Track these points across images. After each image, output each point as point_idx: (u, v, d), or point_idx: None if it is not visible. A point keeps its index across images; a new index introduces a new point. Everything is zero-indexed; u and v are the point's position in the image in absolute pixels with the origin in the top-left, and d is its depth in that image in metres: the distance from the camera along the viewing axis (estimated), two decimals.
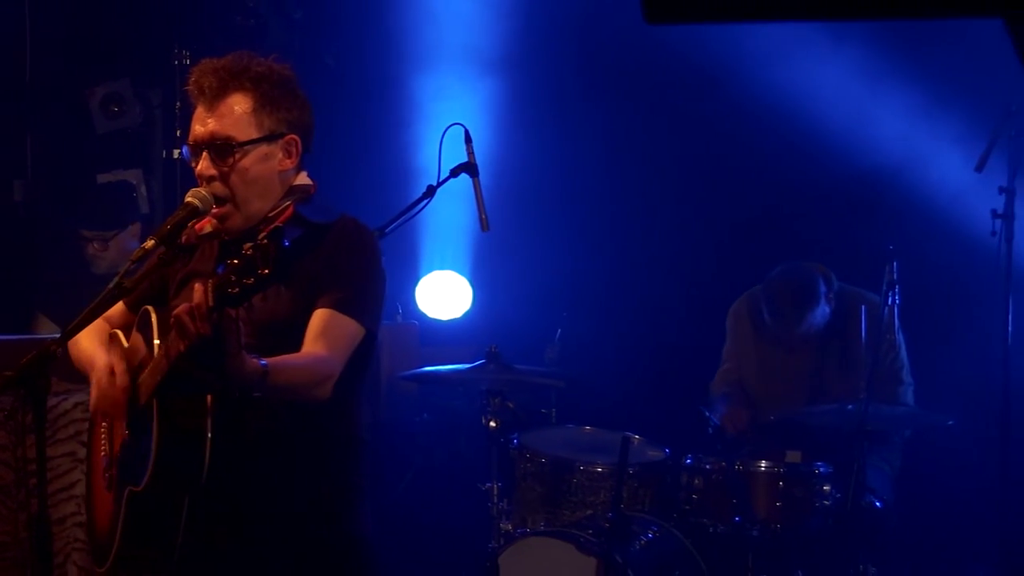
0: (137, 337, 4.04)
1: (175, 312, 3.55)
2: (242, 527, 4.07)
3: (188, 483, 3.86)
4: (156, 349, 3.86)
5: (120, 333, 4.17)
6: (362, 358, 4.13)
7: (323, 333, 3.98)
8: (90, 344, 4.17)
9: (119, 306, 4.19)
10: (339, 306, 4.01)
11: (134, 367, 4.00)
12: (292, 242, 3.55)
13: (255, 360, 3.68)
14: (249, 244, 3.42)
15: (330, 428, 4.14)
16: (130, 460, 3.99)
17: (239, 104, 4.04)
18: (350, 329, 4.04)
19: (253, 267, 3.40)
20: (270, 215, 4.08)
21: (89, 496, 4.41)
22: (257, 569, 4.09)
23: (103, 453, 4.23)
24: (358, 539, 4.22)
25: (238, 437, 3.93)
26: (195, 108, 4.10)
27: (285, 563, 4.09)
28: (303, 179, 4.20)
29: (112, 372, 4.01)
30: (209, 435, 3.80)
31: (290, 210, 4.10)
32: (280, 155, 4.10)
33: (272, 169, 4.08)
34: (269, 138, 4.06)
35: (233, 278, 3.41)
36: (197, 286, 3.52)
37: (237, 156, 4.01)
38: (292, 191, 4.15)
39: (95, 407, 4.11)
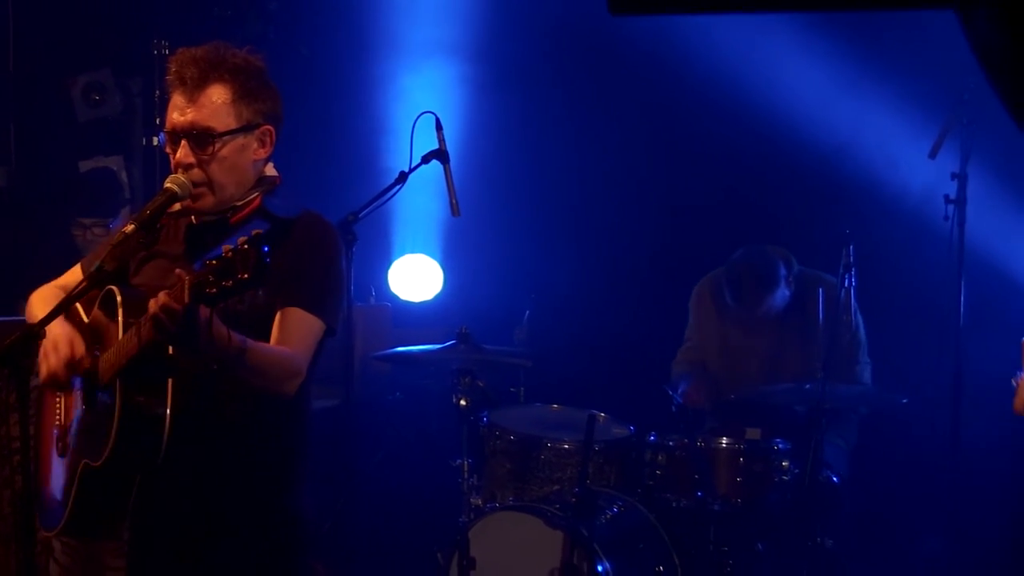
0: (99, 314, 4.02)
1: (151, 306, 3.55)
2: (189, 503, 4.07)
3: (144, 462, 3.86)
4: (121, 330, 3.84)
5: (80, 307, 4.15)
6: (316, 353, 4.14)
7: (292, 331, 3.99)
8: (44, 313, 4.11)
9: (78, 280, 4.16)
10: (305, 305, 4.02)
11: (94, 343, 3.99)
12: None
13: (233, 334, 3.68)
14: (229, 247, 3.40)
15: (282, 419, 4.13)
16: (86, 434, 3.98)
17: (218, 95, 4.02)
18: (316, 327, 4.06)
19: (232, 270, 3.37)
20: (237, 203, 4.09)
21: (36, 460, 4.39)
22: (201, 539, 4.10)
23: (57, 421, 4.22)
24: (298, 519, 4.22)
25: (195, 422, 3.92)
26: (171, 96, 4.09)
27: (228, 536, 4.09)
28: (270, 170, 4.21)
29: (70, 344, 3.99)
30: (168, 415, 3.80)
31: (257, 201, 4.11)
32: (255, 145, 4.10)
33: (248, 159, 4.08)
34: (246, 128, 4.06)
35: (211, 278, 3.39)
36: (179, 272, 3.51)
37: (216, 146, 4.00)
38: (261, 182, 4.16)
39: (47, 378, 4.05)
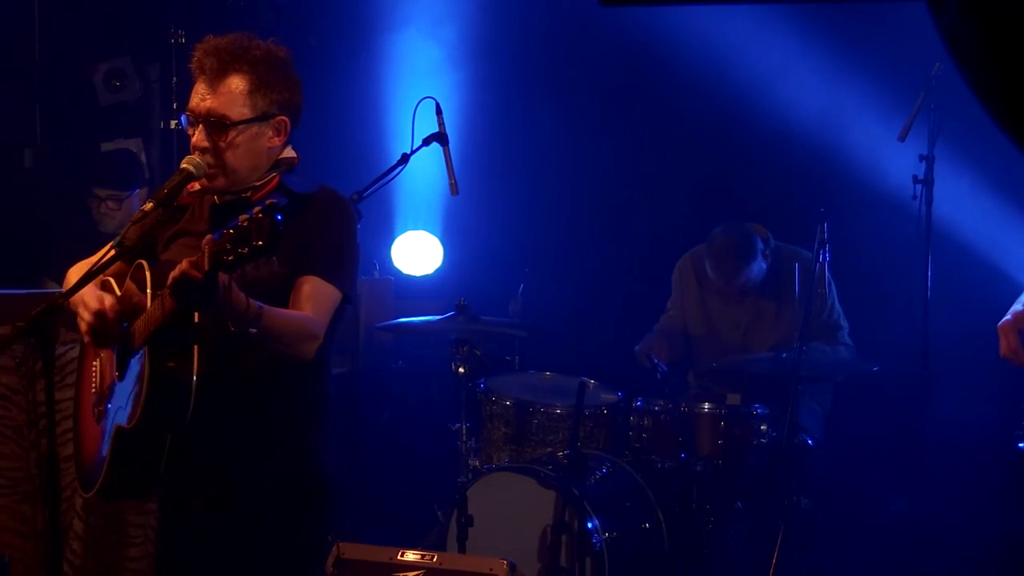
0: (131, 287, 4.03)
1: (173, 275, 3.56)
2: (218, 463, 4.08)
3: (172, 423, 3.86)
4: (150, 300, 3.86)
5: (113, 280, 4.17)
6: (336, 320, 4.14)
7: (309, 298, 3.99)
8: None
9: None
10: (323, 274, 4.03)
11: (126, 313, 3.99)
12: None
13: (251, 300, 3.69)
14: (245, 216, 3.41)
15: (304, 383, 4.15)
16: (119, 398, 3.99)
17: (236, 85, 4.02)
18: (333, 295, 4.06)
19: (248, 238, 3.38)
20: (256, 184, 4.10)
21: (77, 427, 4.41)
22: (230, 497, 4.10)
23: (93, 389, 4.23)
24: (321, 476, 4.23)
25: (220, 385, 3.93)
26: (195, 81, 4.09)
27: (256, 494, 4.10)
28: (288, 152, 4.20)
29: (97, 298, 3.98)
30: (194, 380, 3.81)
31: (275, 180, 4.13)
32: (270, 133, 4.09)
33: (262, 146, 4.08)
34: (261, 118, 4.05)
35: (228, 246, 3.40)
36: (206, 239, 3.52)
37: (231, 134, 4.00)
38: (278, 164, 4.16)
39: (87, 331, 4.02)
